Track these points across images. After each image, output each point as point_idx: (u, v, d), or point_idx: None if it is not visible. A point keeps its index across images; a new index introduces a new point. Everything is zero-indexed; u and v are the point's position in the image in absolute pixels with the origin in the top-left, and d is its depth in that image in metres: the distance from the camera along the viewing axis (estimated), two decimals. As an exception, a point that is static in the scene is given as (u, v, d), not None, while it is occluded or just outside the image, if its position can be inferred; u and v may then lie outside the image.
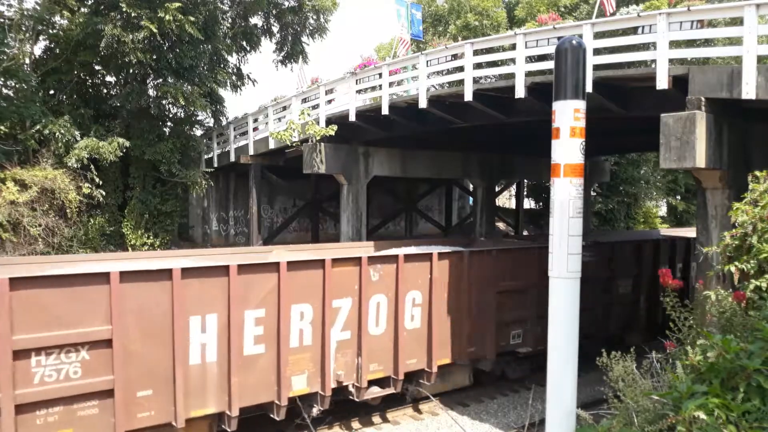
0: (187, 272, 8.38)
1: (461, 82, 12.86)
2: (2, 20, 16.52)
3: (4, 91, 16.59)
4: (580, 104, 4.16)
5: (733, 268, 4.83)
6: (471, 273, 11.58)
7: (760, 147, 9.74)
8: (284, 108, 17.95)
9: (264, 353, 9.23)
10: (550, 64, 10.93)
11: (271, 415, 9.46)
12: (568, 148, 4.16)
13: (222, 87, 20.46)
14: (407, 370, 10.93)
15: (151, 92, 18.12)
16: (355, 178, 16.66)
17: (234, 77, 22.30)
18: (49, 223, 16.16)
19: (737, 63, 8.68)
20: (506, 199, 34.67)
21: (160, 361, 8.25)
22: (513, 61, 11.83)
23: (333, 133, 15.25)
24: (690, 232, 17.72)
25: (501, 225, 28.20)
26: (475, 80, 12.78)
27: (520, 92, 11.29)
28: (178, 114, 19.23)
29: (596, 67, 10.39)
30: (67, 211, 16.54)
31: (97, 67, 19.06)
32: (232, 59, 22.20)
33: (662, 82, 9.28)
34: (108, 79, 19.95)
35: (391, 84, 14.71)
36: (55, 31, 18.23)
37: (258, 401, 9.28)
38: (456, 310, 11.41)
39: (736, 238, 4.94)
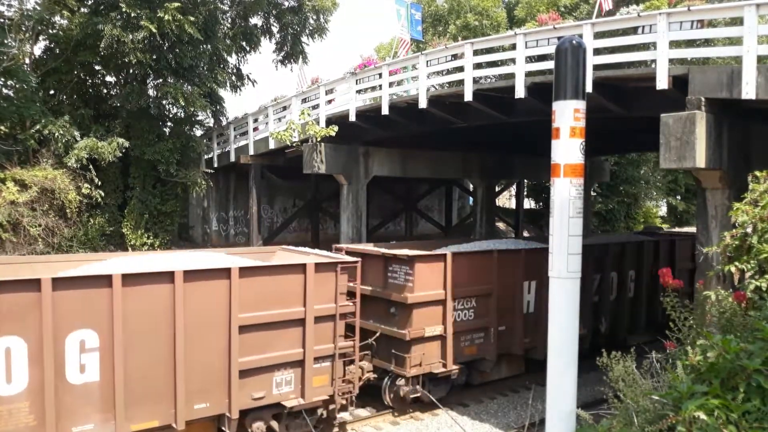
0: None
1: (461, 82, 12.86)
2: (2, 20, 16.49)
3: (4, 91, 16.55)
4: (580, 104, 4.17)
5: (733, 268, 4.83)
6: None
7: (760, 147, 9.74)
8: (284, 108, 17.92)
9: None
10: (550, 64, 10.93)
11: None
12: (568, 148, 4.16)
13: (222, 87, 20.40)
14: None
15: (151, 92, 18.09)
16: (355, 178, 16.65)
17: (234, 77, 22.25)
18: (49, 223, 16.12)
19: (737, 63, 8.68)
20: (506, 199, 34.65)
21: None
22: (513, 61, 11.83)
23: (333, 133, 15.22)
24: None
25: (501, 225, 28.19)
26: (475, 80, 12.78)
27: (520, 92, 11.29)
28: (178, 114, 19.17)
29: (596, 67, 10.39)
30: (67, 211, 16.50)
31: (97, 67, 19.00)
32: (232, 59, 22.15)
33: (662, 82, 9.29)
34: (108, 79, 19.90)
35: (391, 84, 14.69)
36: (55, 31, 18.18)
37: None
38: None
39: (736, 238, 4.94)
